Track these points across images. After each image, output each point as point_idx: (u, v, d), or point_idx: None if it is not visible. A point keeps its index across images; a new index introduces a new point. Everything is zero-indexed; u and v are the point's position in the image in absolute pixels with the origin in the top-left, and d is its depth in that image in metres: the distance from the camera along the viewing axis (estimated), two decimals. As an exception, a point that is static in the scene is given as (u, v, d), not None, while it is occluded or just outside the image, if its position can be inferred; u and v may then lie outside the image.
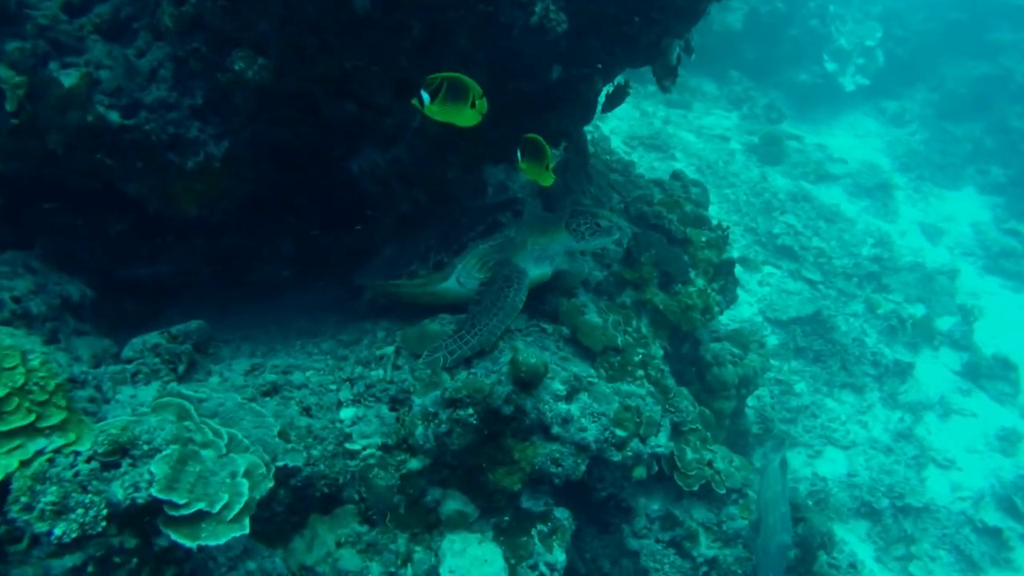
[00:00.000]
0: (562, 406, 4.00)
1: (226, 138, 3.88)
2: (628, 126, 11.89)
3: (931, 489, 8.31)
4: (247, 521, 2.62)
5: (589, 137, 10.20)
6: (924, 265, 12.04)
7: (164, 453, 2.65)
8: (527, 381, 3.59)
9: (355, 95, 3.70)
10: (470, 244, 4.31)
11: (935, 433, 9.10)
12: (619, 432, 4.18)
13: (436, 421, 3.46)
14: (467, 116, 3.07)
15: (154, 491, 2.52)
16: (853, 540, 7.43)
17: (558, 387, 4.05)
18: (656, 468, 4.61)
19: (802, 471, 7.64)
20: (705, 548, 4.98)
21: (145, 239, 4.63)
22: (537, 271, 4.44)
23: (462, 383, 3.43)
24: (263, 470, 2.89)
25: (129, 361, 3.55)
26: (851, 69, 17.10)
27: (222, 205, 4.20)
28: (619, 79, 5.49)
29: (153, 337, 3.65)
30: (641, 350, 4.79)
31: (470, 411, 3.41)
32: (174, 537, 2.51)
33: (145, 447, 2.66)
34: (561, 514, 4.13)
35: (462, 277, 4.34)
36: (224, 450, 2.86)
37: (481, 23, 3.69)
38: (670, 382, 4.77)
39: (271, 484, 2.88)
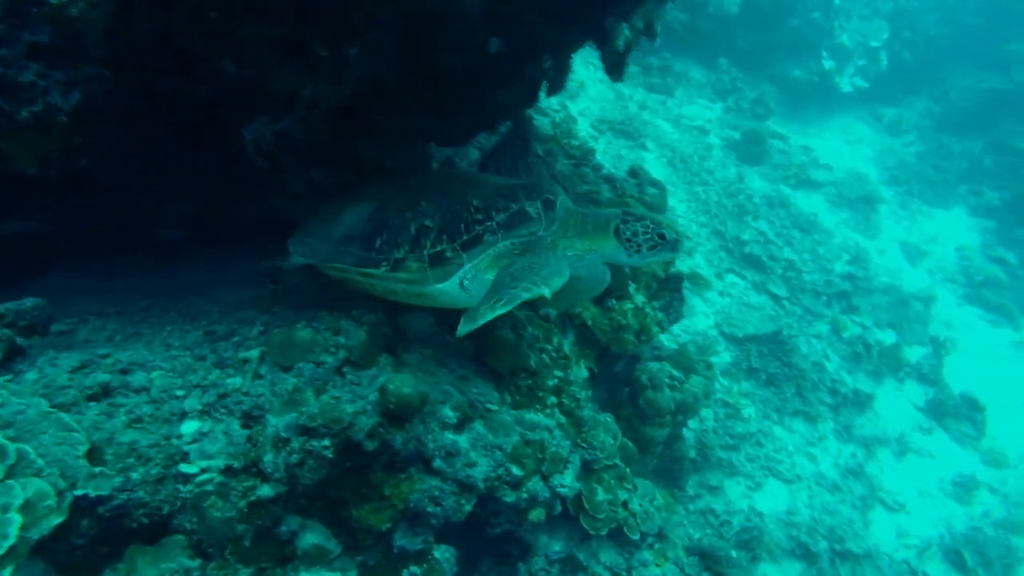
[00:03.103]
0: (449, 436, 3.72)
1: (78, 88, 3.46)
2: (600, 108, 11.55)
3: (875, 533, 8.26)
4: (9, 572, 2.28)
5: (556, 118, 9.89)
6: (900, 288, 11.98)
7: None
8: (398, 414, 3.28)
9: (233, 53, 3.32)
10: (486, 237, 3.47)
11: (887, 472, 9.06)
12: (515, 470, 3.92)
13: (288, 449, 3.15)
14: None
15: None
16: (785, 584, 7.34)
17: (448, 413, 3.77)
18: (560, 508, 4.37)
19: (738, 503, 7.51)
20: (610, 596, 4.80)
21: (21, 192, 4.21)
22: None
23: (319, 409, 3.12)
24: (51, 501, 2.55)
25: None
26: (850, 69, 16.94)
27: (79, 163, 3.80)
28: (570, 58, 5.16)
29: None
30: (559, 372, 4.52)
31: (326, 442, 3.10)
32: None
33: None
34: (441, 554, 3.89)
35: (468, 279, 3.51)
36: (3, 474, 2.51)
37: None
38: (586, 412, 4.51)
39: (61, 519, 2.55)
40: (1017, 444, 10.06)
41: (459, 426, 3.79)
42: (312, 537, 3.50)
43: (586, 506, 4.45)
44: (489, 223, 3.52)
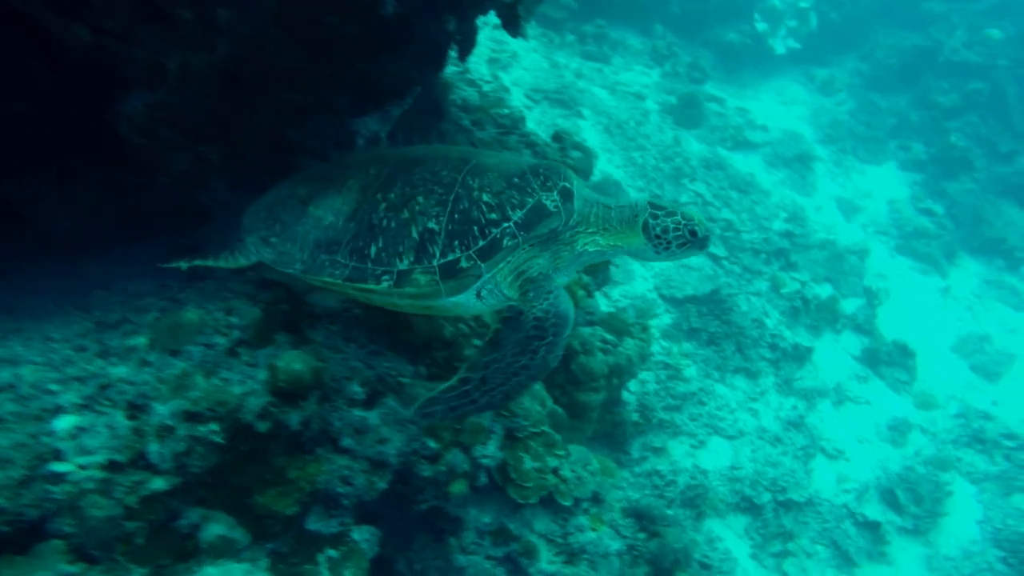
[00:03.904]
0: (357, 413, 3.51)
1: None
2: (534, 78, 11.29)
3: (817, 481, 8.32)
4: None
5: (486, 88, 9.59)
6: (836, 243, 12.06)
7: None
8: (290, 392, 3.05)
9: (84, 17, 3.00)
10: (506, 242, 2.94)
11: (827, 422, 9.13)
12: (431, 443, 3.73)
13: (173, 437, 2.90)
14: None
15: None
16: (730, 536, 7.34)
17: (355, 390, 3.55)
18: (485, 480, 4.19)
19: (683, 463, 7.46)
20: (545, 563, 4.66)
21: None
22: (566, 279, 3.32)
23: (203, 392, 2.87)
24: None
25: None
26: (782, 31, 16.90)
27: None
28: (475, 19, 4.90)
29: None
30: (477, 342, 4.31)
31: (213, 427, 2.86)
32: None
33: None
34: (360, 535, 3.68)
35: (487, 290, 3.08)
36: None
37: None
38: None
39: None
40: (945, 385, 10.24)
41: (369, 402, 3.57)
42: (216, 528, 3.26)
43: (513, 475, 4.28)
44: (507, 224, 2.96)
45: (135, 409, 3.08)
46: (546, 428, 4.63)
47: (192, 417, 2.88)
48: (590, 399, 5.79)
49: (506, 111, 7.82)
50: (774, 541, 7.48)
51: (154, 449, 2.92)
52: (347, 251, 3.05)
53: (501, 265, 3.01)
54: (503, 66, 11.05)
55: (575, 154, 6.00)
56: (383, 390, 3.67)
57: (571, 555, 4.73)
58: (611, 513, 5.04)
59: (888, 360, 10.24)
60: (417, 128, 4.97)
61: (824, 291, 11.00)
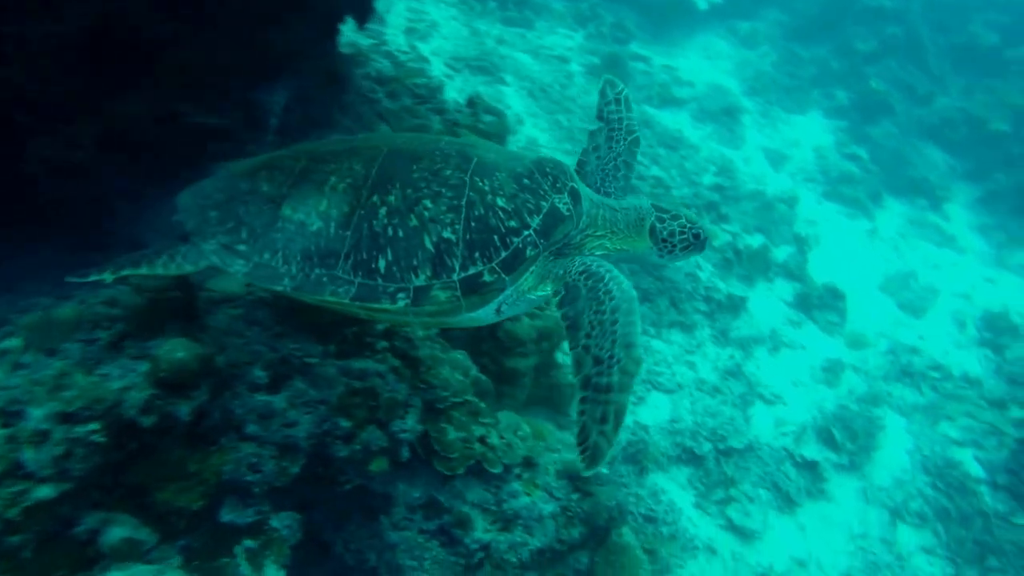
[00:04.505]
0: (261, 398, 3.36)
1: None
2: (454, 46, 11.05)
3: (756, 427, 8.47)
4: None
5: (403, 59, 9.32)
6: (765, 193, 12.20)
7: None
8: (175, 382, 2.89)
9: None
10: (528, 252, 2.76)
11: (764, 368, 9.28)
12: (343, 422, 3.61)
13: (50, 442, 2.72)
14: None
15: None
16: (673, 488, 7.43)
17: (258, 374, 3.41)
18: (407, 454, 4.10)
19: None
20: (481, 532, 4.61)
21: None
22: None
23: (78, 391, 2.69)
24: None
25: None
26: (704, -14, 16.93)
27: None
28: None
29: None
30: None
31: (92, 426, 2.69)
32: None
33: None
34: (280, 522, 3.56)
35: (508, 303, 2.88)
36: None
37: None
38: (424, 352, 4.22)
39: None
40: (874, 324, 10.52)
41: (273, 386, 3.44)
42: (119, 531, 3.10)
43: (437, 448, 4.21)
44: (527, 232, 2.77)
45: (8, 416, 2.88)
46: (470, 397, 4.56)
47: (68, 418, 2.70)
48: (519, 365, 5.73)
49: (422, 80, 7.63)
50: (717, 489, 7.60)
51: (30, 456, 2.73)
52: (349, 265, 2.71)
53: (525, 277, 2.82)
54: (421, 36, 10.78)
55: (487, 118, 5.87)
56: (289, 372, 3.54)
57: (506, 522, 4.69)
58: (545, 476, 5.01)
59: (820, 304, 10.46)
60: (316, 100, 4.78)
61: (756, 241, 11.14)
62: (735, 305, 9.74)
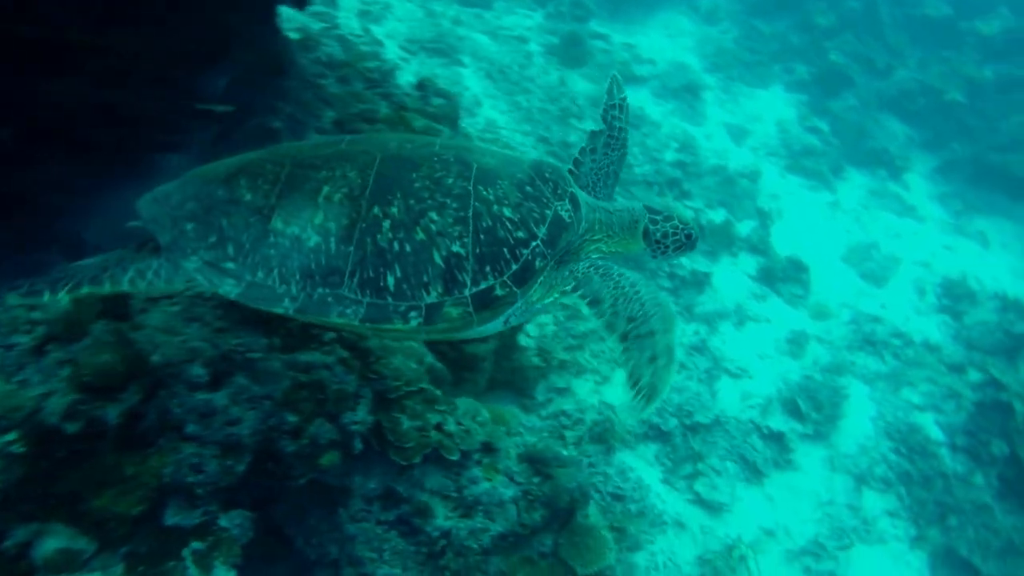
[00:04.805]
0: (201, 396, 3.26)
1: None
2: (409, 28, 10.86)
3: (722, 401, 8.52)
4: None
5: (357, 43, 9.13)
6: (727, 168, 12.22)
7: None
8: (100, 386, 2.79)
9: None
10: (537, 263, 2.70)
11: (729, 343, 9.33)
12: (290, 417, 3.53)
13: (-31, 453, 2.61)
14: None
15: None
16: (641, 465, 7.45)
17: (197, 372, 3.31)
18: (360, 446, 4.03)
19: (588, 400, 7.50)
20: (442, 520, 4.57)
21: None
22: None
23: (-5, 398, 2.58)
24: None
25: None
26: (663, -38, 16.81)
27: None
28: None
29: None
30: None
31: (10, 436, 2.59)
32: None
33: None
34: (230, 521, 3.48)
35: (517, 315, 2.87)
36: None
37: None
38: (374, 342, 4.15)
39: None
40: (837, 294, 10.63)
41: (214, 383, 3.34)
42: (53, 542, 3.00)
43: (391, 438, 4.15)
44: (535, 243, 2.71)
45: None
46: (425, 385, 4.50)
47: (-14, 428, 2.59)
48: (479, 349, 5.68)
49: (374, 64, 7.48)
50: (684, 464, 7.64)
51: (-52, 468, 2.63)
52: (355, 283, 2.55)
53: (534, 288, 2.76)
54: (375, 19, 10.57)
55: (437, 101, 5.77)
56: (230, 369, 3.44)
57: (467, 508, 4.66)
58: (506, 461, 4.99)
59: (783, 276, 10.53)
60: (257, 86, 4.63)
61: (718, 216, 11.17)
62: (699, 281, 9.77)
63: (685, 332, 9.08)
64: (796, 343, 9.59)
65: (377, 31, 10.06)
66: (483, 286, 2.62)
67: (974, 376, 9.45)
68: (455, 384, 5.53)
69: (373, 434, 4.12)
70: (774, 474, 8.10)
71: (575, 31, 13.16)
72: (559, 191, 2.88)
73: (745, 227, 11.25)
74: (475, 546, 4.43)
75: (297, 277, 2.55)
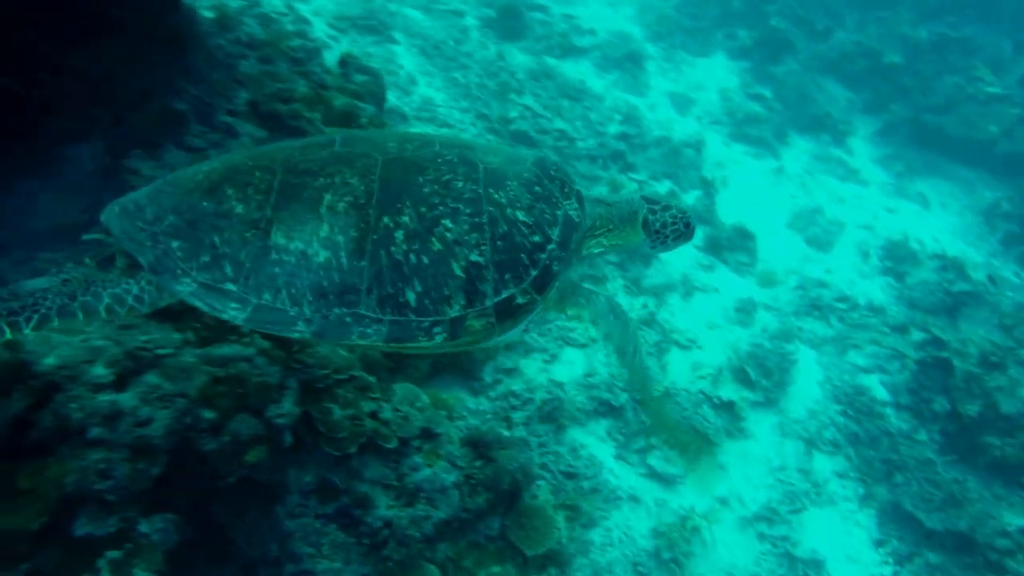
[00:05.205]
0: (105, 398, 3.11)
1: None
2: (337, 5, 10.55)
3: (672, 373, 8.59)
4: None
5: (278, 21, 8.83)
6: (671, 139, 12.26)
7: None
8: (-17, 389, 2.63)
9: None
10: (554, 267, 2.66)
11: (678, 315, 9.40)
12: (208, 413, 3.39)
13: None
14: None
15: None
16: (593, 442, 7.47)
17: (99, 372, 3.15)
18: (290, 439, 3.92)
19: (537, 379, 7.47)
20: (384, 509, 4.50)
21: None
22: None
23: None
24: None
25: None
26: (600, -71, 16.67)
27: None
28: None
29: None
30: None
31: None
32: None
33: None
34: (151, 526, 3.35)
35: (536, 321, 2.99)
36: None
37: None
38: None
39: None
40: (784, 261, 10.81)
41: (119, 383, 3.18)
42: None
43: (322, 429, 4.04)
44: (550, 246, 2.67)
45: None
46: (357, 372, 4.40)
47: None
48: (418, 334, 5.57)
49: (297, 43, 7.24)
50: (636, 438, 7.69)
51: None
52: (373, 300, 2.42)
53: (552, 293, 2.73)
54: (301, -4, 10.24)
55: (360, 78, 5.61)
56: (138, 367, 3.29)
57: (410, 496, 4.60)
58: (448, 446, 4.93)
59: (730, 245, 10.63)
60: (153, 64, 4.40)
61: (664, 188, 11.21)
62: (646, 254, 9.80)
63: (633, 306, 9.11)
64: (744, 311, 9.70)
65: (303, 8, 9.74)
66: (504, 295, 2.55)
67: (916, 336, 9.70)
68: (396, 370, 5.44)
69: (303, 426, 4.00)
70: (726, 443, 8.22)
71: (512, 3, 12.99)
72: (566, 189, 2.86)
73: (690, 197, 11.31)
74: (417, 535, 4.38)
75: (309, 297, 2.40)
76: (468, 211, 2.55)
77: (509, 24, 12.58)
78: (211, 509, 4.11)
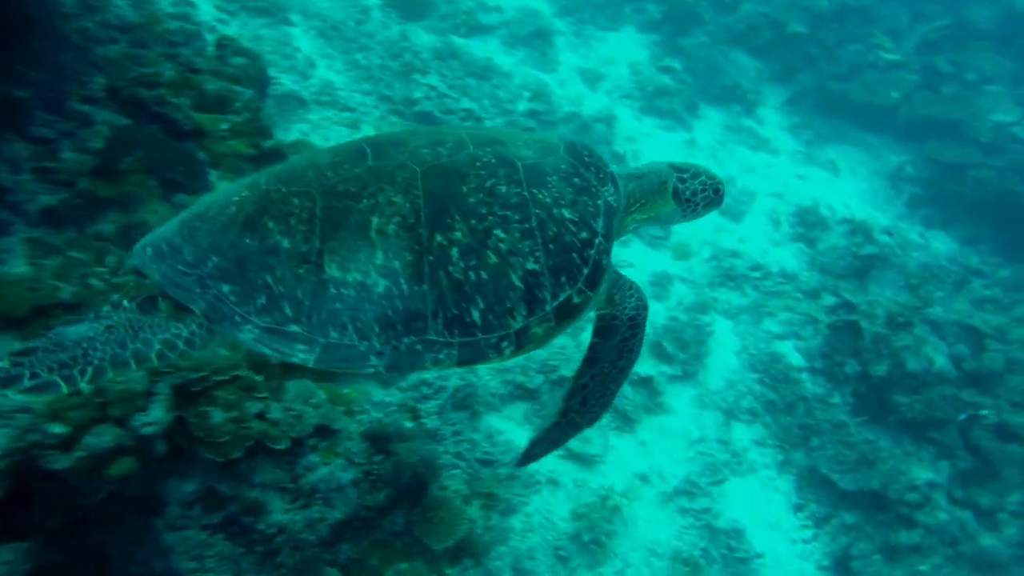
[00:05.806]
0: (-68, 419, 2.86)
1: None
2: (224, -15, 10.13)
3: (589, 352, 8.63)
4: None
5: (156, 2, 8.39)
6: (582, 114, 12.29)
7: None
8: None
9: None
10: (604, 261, 2.69)
11: (594, 293, 9.44)
12: (58, 428, 3.18)
13: None
14: None
15: None
16: (510, 427, 7.46)
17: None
18: (163, 449, 3.73)
19: (450, 368, 7.39)
20: (280, 514, 4.36)
21: None
22: None
23: None
24: None
25: None
26: (503, -97, 16.51)
27: None
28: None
29: None
30: (118, 298, 3.73)
31: None
32: None
33: None
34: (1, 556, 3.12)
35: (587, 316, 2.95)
36: None
37: None
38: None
39: None
40: (696, 232, 10.98)
41: (-50, 402, 2.93)
42: None
43: (200, 434, 3.85)
44: (597, 240, 2.66)
45: None
46: (242, 372, 4.22)
47: None
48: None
49: (176, 25, 6.89)
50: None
51: None
52: (440, 324, 2.39)
53: (603, 287, 2.78)
54: (183, -24, 9.76)
55: (237, 60, 5.37)
56: (-27, 382, 3.03)
57: (307, 497, 4.46)
58: (347, 442, 4.80)
59: (644, 220, 10.74)
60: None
61: (576, 165, 11.23)
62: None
63: (548, 286, 9.10)
64: (660, 285, 9.84)
65: (185, -11, 9.29)
66: (562, 298, 2.58)
67: (828, 300, 10.06)
68: (290, 367, 5.26)
69: (178, 433, 3.81)
70: (645, 419, 8.34)
71: (414, -20, 12.73)
72: (601, 175, 2.85)
73: (604, 173, 11.38)
74: (313, 538, 4.25)
75: (376, 329, 2.35)
76: (517, 217, 2.55)
77: (412, 3, 12.33)
78: (88, 528, 3.90)
